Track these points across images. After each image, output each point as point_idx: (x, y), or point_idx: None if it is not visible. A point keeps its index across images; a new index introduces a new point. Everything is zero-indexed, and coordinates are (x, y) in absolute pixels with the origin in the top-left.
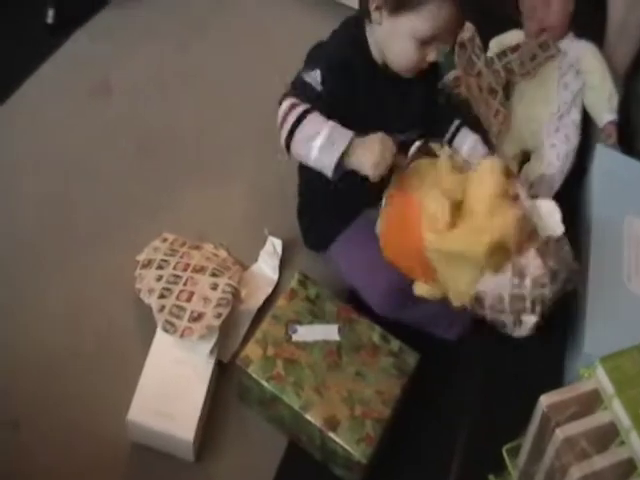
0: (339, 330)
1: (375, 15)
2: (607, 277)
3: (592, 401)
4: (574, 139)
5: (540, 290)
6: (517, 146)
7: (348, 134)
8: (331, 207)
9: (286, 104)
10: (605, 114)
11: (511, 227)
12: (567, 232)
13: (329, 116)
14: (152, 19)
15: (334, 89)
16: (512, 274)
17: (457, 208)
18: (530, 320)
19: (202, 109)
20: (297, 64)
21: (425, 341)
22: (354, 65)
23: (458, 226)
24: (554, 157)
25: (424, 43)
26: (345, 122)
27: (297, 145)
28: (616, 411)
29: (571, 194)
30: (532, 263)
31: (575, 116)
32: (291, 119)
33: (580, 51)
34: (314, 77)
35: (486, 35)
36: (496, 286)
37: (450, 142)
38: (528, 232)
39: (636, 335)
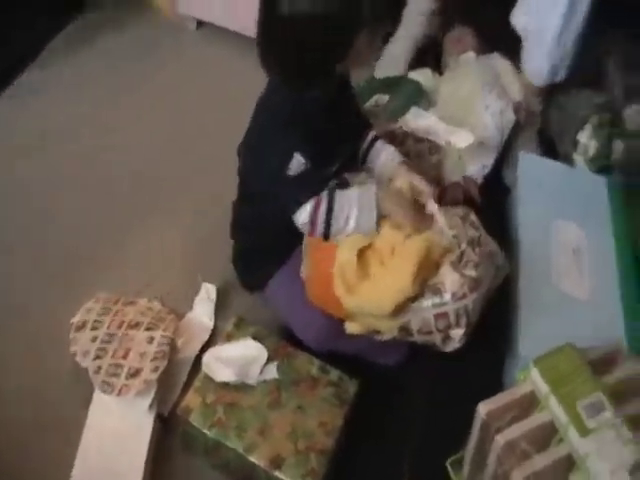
0: (277, 367)
1: (339, 67)
2: (537, 280)
3: (530, 403)
4: (506, 97)
5: (461, 302)
6: None
7: (370, 191)
8: (267, 249)
9: (304, 216)
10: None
11: (410, 280)
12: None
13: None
14: (77, 77)
15: (314, 153)
16: (431, 294)
17: (369, 250)
18: (458, 333)
19: (131, 160)
20: (225, 109)
21: (365, 369)
22: (310, 115)
23: (369, 275)
24: (489, 118)
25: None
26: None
27: (337, 233)
28: (553, 409)
29: (498, 204)
30: (448, 278)
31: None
32: (319, 227)
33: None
34: (298, 164)
35: None
36: (418, 311)
37: (365, 156)
38: (440, 253)
39: (569, 333)
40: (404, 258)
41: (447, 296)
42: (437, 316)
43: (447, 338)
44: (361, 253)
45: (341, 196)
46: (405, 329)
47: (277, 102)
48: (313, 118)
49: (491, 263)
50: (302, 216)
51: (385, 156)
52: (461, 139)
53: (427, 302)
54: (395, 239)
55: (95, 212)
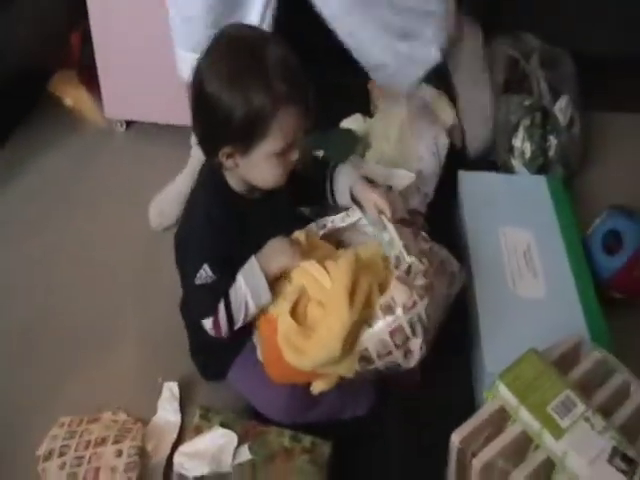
0: (250, 448)
1: (229, 163)
2: (494, 291)
3: (501, 419)
4: (438, 123)
5: (413, 311)
6: None
7: (253, 266)
8: (221, 340)
9: (209, 324)
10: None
11: (345, 309)
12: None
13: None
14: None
15: (224, 266)
16: (382, 314)
17: (302, 300)
18: (416, 343)
19: (70, 284)
20: None
21: (336, 425)
22: (228, 222)
23: (312, 327)
24: (423, 148)
25: (283, 152)
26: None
27: (240, 322)
28: (524, 419)
29: (444, 225)
30: (396, 293)
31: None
32: (224, 328)
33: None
34: (206, 275)
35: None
36: (373, 335)
37: (332, 187)
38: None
39: (533, 336)
40: (337, 281)
41: (399, 310)
42: (392, 332)
43: (408, 352)
44: (296, 308)
45: (232, 289)
46: (365, 358)
47: (198, 201)
48: (230, 223)
49: (443, 270)
50: (207, 324)
51: (345, 177)
52: (401, 180)
53: (382, 322)
54: (312, 271)
55: (41, 335)
